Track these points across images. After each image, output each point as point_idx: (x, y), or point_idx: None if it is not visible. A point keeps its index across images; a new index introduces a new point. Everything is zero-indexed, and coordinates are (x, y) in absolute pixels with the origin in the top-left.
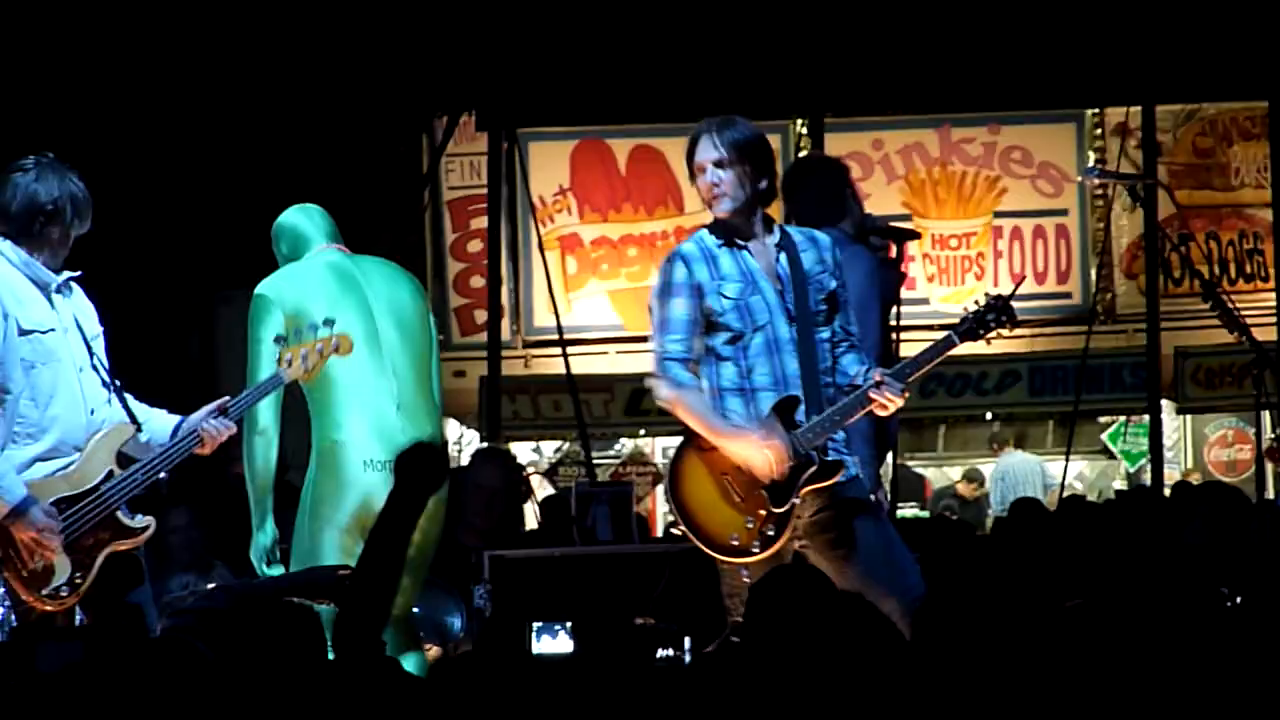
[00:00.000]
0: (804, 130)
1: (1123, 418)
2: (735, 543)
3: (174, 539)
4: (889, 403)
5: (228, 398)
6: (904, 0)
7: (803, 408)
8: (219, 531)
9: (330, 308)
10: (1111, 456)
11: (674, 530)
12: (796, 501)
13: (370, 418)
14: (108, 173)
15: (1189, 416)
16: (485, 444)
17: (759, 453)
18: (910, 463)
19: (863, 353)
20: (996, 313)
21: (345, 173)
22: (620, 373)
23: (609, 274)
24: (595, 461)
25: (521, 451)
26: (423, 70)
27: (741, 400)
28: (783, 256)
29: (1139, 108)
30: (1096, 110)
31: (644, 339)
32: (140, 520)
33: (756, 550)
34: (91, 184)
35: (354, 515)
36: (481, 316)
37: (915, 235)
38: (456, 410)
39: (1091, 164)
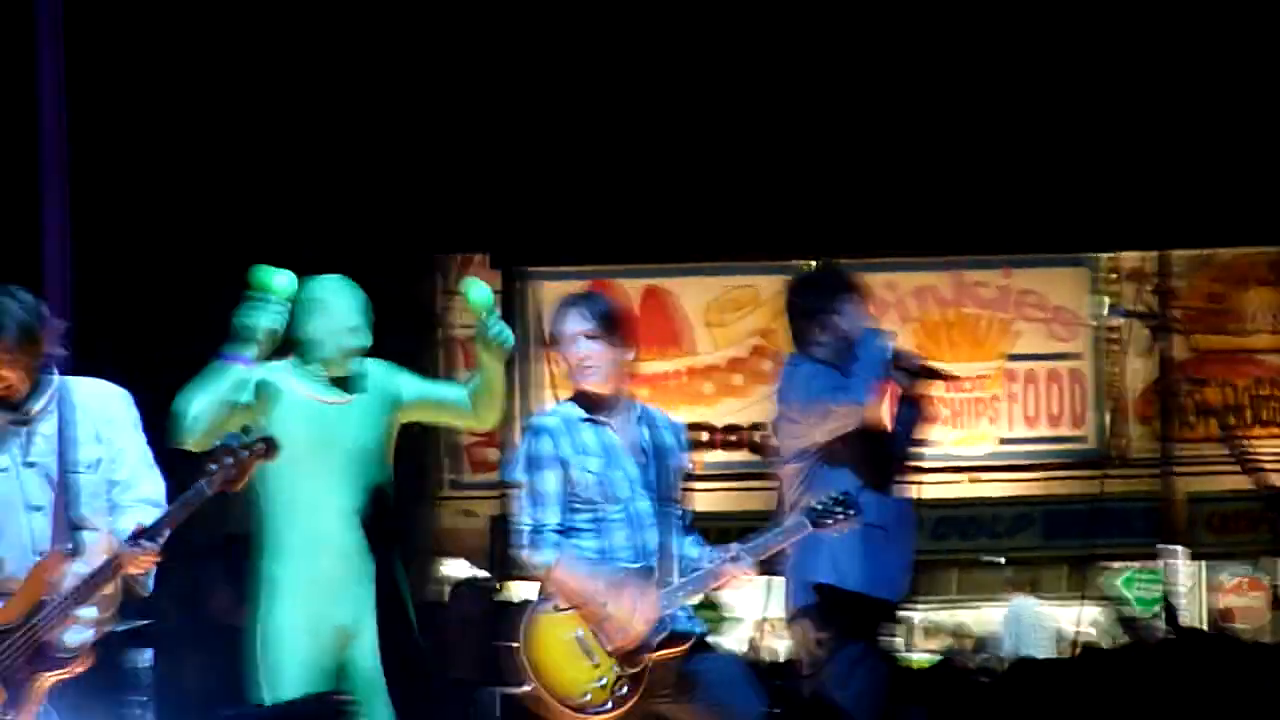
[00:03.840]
0: None
1: (1135, 564)
2: (587, 699)
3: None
4: (743, 577)
5: (142, 523)
6: (921, 143)
7: (657, 579)
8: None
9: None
10: (1123, 603)
11: (519, 689)
12: (649, 663)
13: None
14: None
15: (1202, 563)
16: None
17: (634, 615)
18: (923, 606)
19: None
20: (844, 508)
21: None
22: None
23: None
24: None
25: (528, 592)
26: (436, 210)
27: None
28: (644, 431)
29: (1153, 253)
30: (1110, 255)
31: None
32: (72, 641)
33: (609, 708)
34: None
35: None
36: (491, 455)
37: (941, 376)
38: (465, 550)
39: (1109, 305)
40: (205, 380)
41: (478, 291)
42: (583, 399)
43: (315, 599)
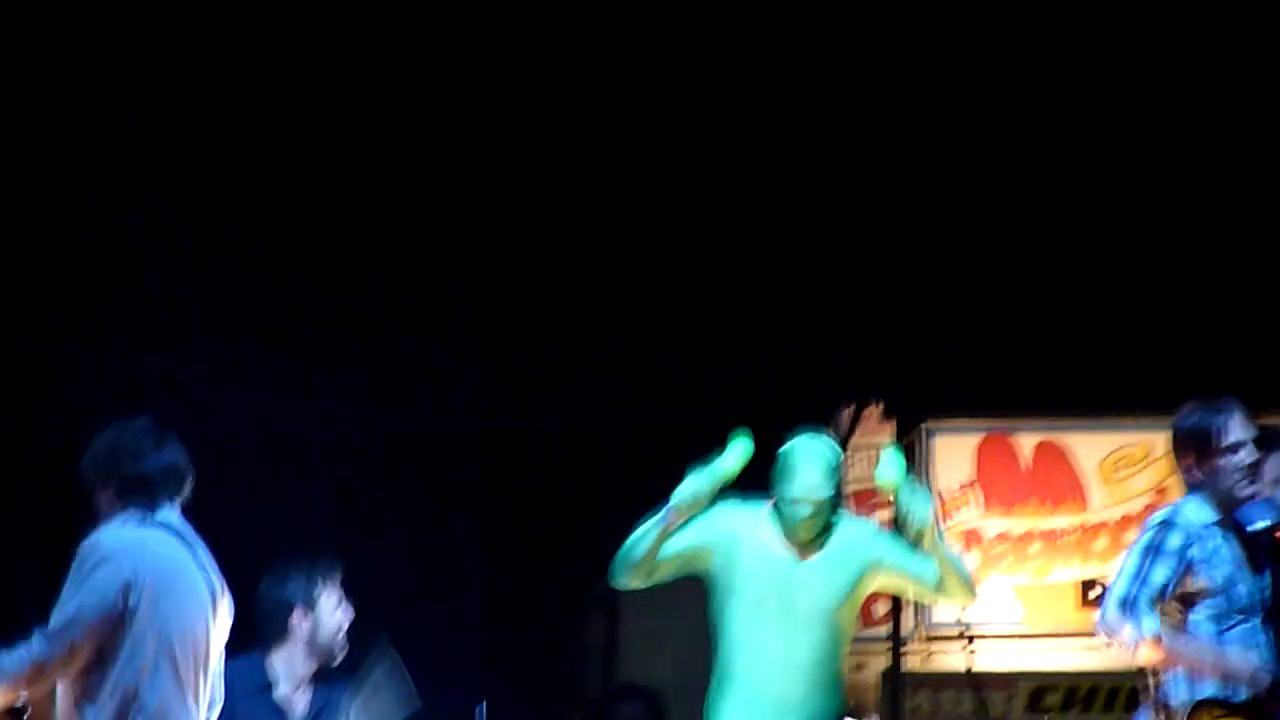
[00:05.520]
0: None
1: None
2: None
3: None
4: None
5: None
6: None
7: None
8: None
9: None
10: None
11: None
12: None
13: None
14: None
15: None
16: None
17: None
18: None
19: None
20: None
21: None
22: (1022, 670)
23: (1011, 568)
24: None
25: None
26: (830, 359)
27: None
28: (1253, 545)
29: None
30: None
31: (1047, 636)
32: None
33: None
34: None
35: None
36: (882, 609)
37: None
38: (858, 704)
39: None
40: (646, 525)
41: (884, 469)
42: (1213, 504)
43: None
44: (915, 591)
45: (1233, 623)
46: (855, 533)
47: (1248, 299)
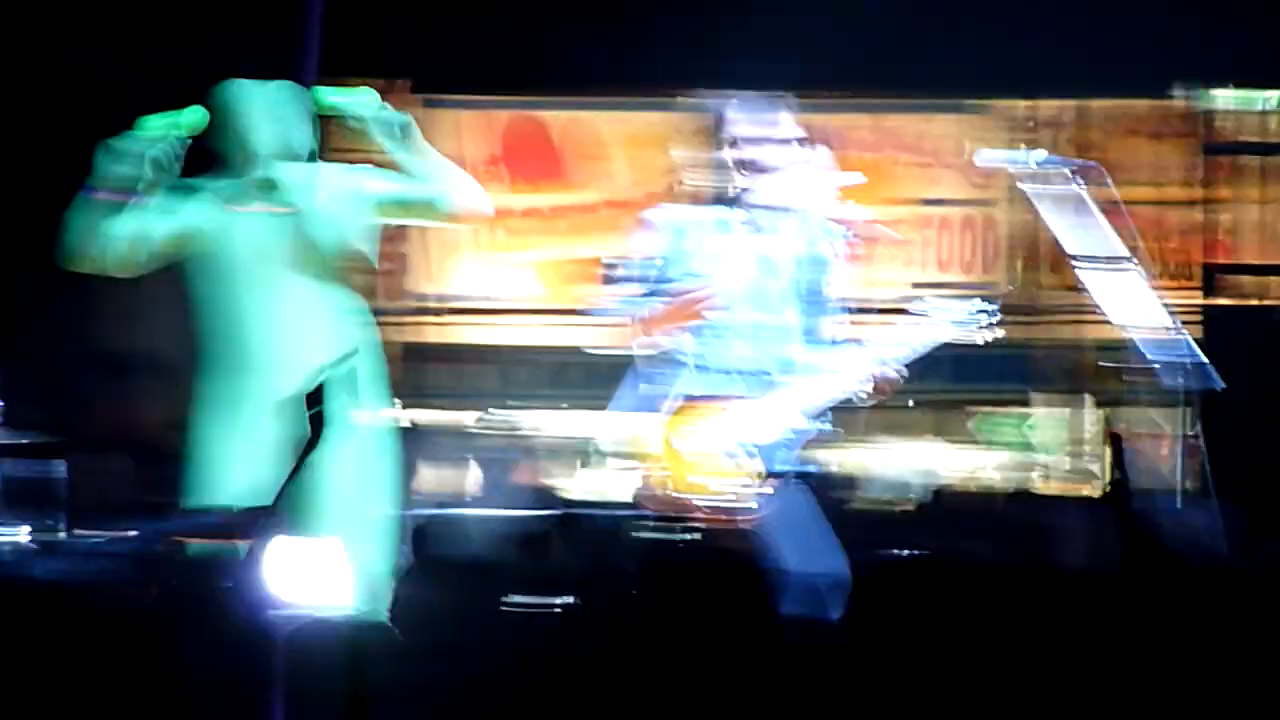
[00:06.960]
0: None
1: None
2: (718, 499)
3: None
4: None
5: None
6: None
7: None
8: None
9: None
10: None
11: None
12: (777, 461)
13: None
14: None
15: (1104, 411)
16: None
17: (685, 308)
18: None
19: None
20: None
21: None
22: (546, 344)
23: (538, 244)
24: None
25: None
26: (353, 34)
27: (699, 379)
28: (761, 237)
29: (1071, 102)
30: (1030, 103)
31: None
32: None
33: (735, 502)
34: None
35: None
36: (398, 283)
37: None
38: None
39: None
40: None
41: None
42: (719, 200)
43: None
44: (418, 213)
45: (722, 321)
46: (335, 174)
47: None
